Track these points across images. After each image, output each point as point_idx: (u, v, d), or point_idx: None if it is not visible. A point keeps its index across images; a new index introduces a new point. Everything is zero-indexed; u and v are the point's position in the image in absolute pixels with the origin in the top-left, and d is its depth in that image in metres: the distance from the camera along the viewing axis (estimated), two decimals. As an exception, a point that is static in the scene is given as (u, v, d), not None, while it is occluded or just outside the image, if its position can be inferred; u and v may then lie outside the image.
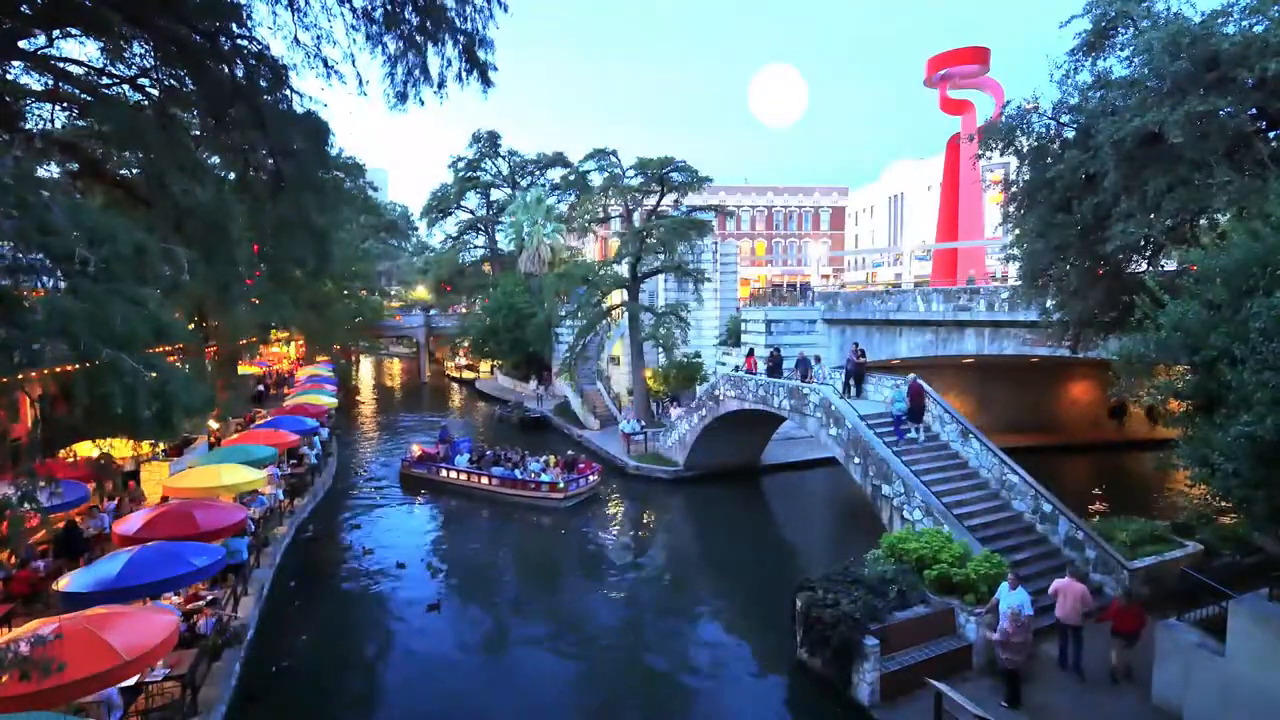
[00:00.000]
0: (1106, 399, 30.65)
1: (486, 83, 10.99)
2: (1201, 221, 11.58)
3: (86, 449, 16.32)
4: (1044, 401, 32.96)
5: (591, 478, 24.94)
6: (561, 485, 23.64)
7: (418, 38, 10.19)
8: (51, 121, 11.69)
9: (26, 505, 6.37)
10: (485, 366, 57.90)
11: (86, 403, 6.87)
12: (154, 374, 7.16)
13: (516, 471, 25.13)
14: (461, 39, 10.42)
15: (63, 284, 6.92)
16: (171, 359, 10.21)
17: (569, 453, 26.97)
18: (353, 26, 10.18)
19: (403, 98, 10.63)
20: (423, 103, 10.73)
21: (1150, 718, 10.47)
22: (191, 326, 20.70)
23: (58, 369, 8.84)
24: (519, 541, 21.28)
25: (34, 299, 6.90)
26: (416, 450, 27.94)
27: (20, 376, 6.87)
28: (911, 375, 19.46)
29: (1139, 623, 11.19)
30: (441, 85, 10.68)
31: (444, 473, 26.10)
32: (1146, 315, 9.84)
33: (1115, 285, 12.91)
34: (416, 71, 10.42)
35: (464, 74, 10.76)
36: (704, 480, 26.29)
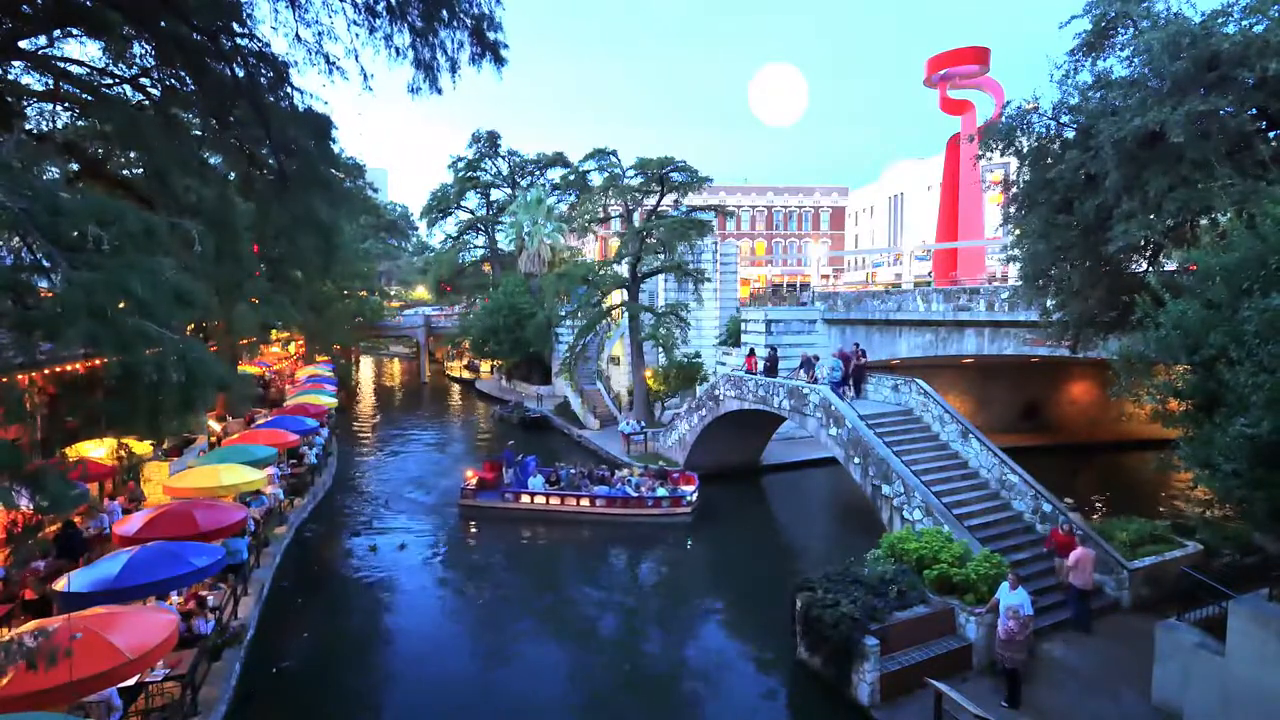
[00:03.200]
0: (1107, 399, 30.77)
1: (499, 62, 10.91)
2: (1203, 221, 11.59)
3: (84, 449, 16.36)
4: (1044, 401, 32.99)
5: (694, 486, 22.78)
6: (689, 498, 21.87)
7: (420, 24, 10.17)
8: (53, 121, 11.71)
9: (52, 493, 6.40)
10: (485, 366, 57.93)
11: (110, 382, 6.85)
12: (177, 352, 7.17)
13: (627, 489, 22.38)
14: (469, 22, 10.39)
15: (72, 270, 6.91)
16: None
17: (659, 463, 24.79)
18: (354, 21, 10.19)
19: (414, 89, 10.64)
20: (439, 90, 10.70)
21: (1150, 718, 10.48)
22: (192, 327, 20.73)
23: (59, 368, 8.84)
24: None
25: (49, 292, 6.92)
26: (472, 476, 23.28)
27: (32, 375, 6.87)
28: (855, 344, 22.66)
29: (1071, 545, 13.39)
30: (455, 69, 10.64)
31: (524, 499, 22.37)
32: (1147, 314, 9.85)
33: (1116, 285, 12.92)
34: (426, 56, 10.39)
35: (476, 57, 10.73)
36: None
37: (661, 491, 22.15)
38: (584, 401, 36.31)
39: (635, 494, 22.05)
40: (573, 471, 23.54)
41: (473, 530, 21.60)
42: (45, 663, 6.07)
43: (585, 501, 22.06)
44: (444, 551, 19.93)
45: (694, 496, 22.20)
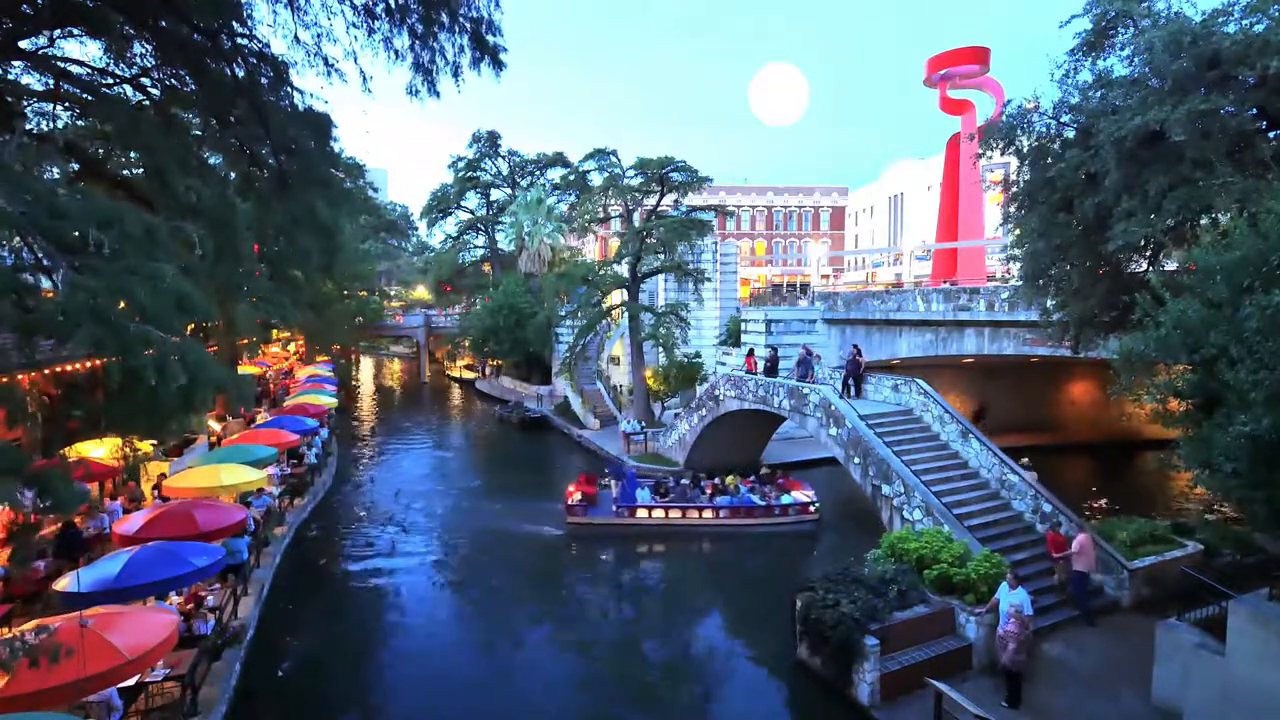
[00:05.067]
0: (1107, 399, 30.78)
1: (498, 66, 10.96)
2: (1203, 221, 11.59)
3: (85, 449, 16.37)
4: (1044, 401, 32.99)
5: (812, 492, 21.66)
6: (816, 505, 20.95)
7: (419, 28, 10.20)
8: (53, 121, 11.70)
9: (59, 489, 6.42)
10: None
11: (112, 385, 6.85)
12: (178, 356, 7.17)
13: (754, 497, 21.35)
14: (468, 25, 10.42)
15: (74, 275, 6.91)
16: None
17: (763, 470, 23.72)
18: (353, 24, 10.20)
19: (413, 91, 10.68)
20: (438, 95, 10.74)
21: (1150, 718, 10.48)
22: (192, 327, 20.74)
23: (61, 368, 8.84)
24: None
25: (50, 291, 6.92)
26: (574, 491, 21.71)
27: (33, 376, 6.88)
28: (854, 345, 22.89)
29: (1064, 546, 13.66)
30: (457, 73, 10.68)
31: (640, 513, 20.87)
32: (1147, 314, 9.84)
33: (1116, 285, 12.92)
34: (425, 59, 10.41)
35: (475, 61, 10.77)
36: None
37: (787, 499, 21.24)
38: (584, 401, 36.32)
39: (763, 502, 21.09)
40: (684, 482, 22.58)
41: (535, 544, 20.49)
42: (48, 659, 6.07)
43: (708, 513, 20.90)
44: (454, 557, 19.92)
45: (818, 502, 21.29)
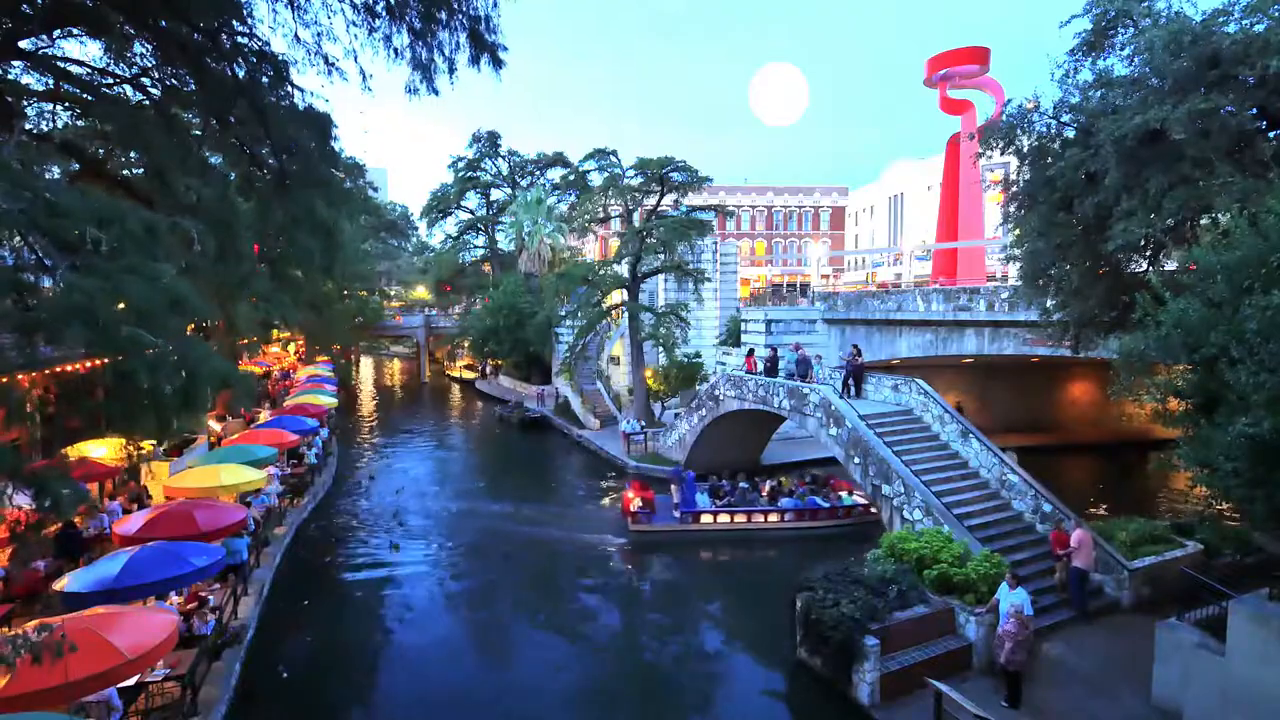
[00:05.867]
0: (1109, 399, 30.77)
1: (497, 64, 11.00)
2: (1203, 220, 11.59)
3: (85, 449, 16.37)
4: (1044, 401, 32.98)
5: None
6: (876, 506, 20.54)
7: (419, 25, 10.23)
8: (53, 121, 11.71)
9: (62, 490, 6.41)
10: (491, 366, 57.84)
11: (109, 384, 6.86)
12: (174, 355, 7.17)
13: (817, 499, 20.79)
14: (466, 23, 10.46)
15: (70, 275, 6.90)
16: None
17: (813, 472, 23.10)
18: (353, 22, 10.22)
19: (412, 89, 10.72)
20: (436, 92, 10.80)
21: (1150, 718, 10.47)
22: (192, 326, 20.74)
23: (59, 369, 8.83)
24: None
25: (48, 290, 6.92)
26: (633, 497, 20.52)
27: (33, 375, 6.88)
28: (854, 345, 23.20)
29: (1066, 543, 13.49)
30: (453, 70, 10.74)
31: (704, 518, 20.21)
32: (1147, 313, 9.84)
33: (1116, 285, 12.91)
34: (424, 57, 10.45)
35: (474, 59, 10.81)
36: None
37: (848, 499, 20.86)
38: (584, 401, 36.32)
39: (827, 504, 20.57)
40: (743, 485, 21.82)
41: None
42: (50, 656, 6.07)
43: (773, 516, 20.26)
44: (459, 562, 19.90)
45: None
